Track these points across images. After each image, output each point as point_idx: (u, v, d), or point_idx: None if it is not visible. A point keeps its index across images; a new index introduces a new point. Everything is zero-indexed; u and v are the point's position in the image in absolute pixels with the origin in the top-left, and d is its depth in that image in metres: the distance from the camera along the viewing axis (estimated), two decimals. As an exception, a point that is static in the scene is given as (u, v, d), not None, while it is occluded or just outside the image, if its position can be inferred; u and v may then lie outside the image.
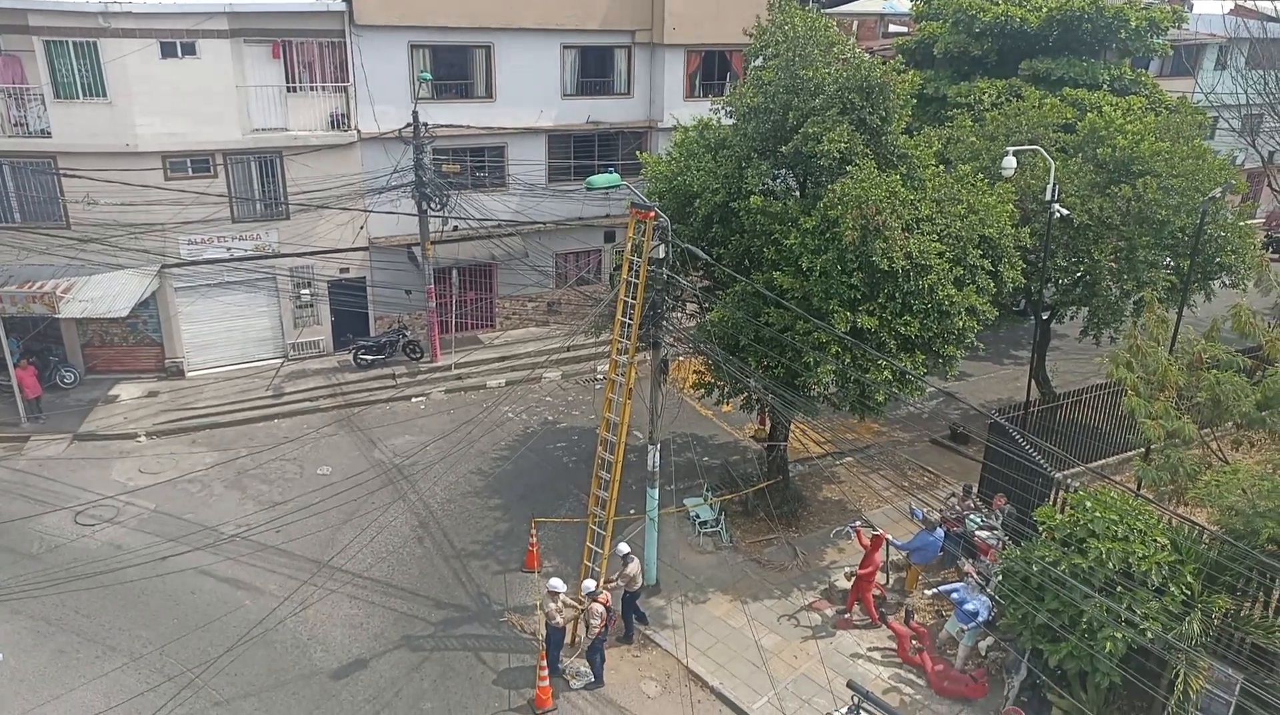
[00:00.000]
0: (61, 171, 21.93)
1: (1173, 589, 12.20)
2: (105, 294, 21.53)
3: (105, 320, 22.77)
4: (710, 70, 28.00)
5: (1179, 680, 11.85)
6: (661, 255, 14.96)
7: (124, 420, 21.95)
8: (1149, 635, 11.92)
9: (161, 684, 13.95)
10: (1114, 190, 19.26)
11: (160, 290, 23.36)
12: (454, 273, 26.13)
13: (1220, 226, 19.77)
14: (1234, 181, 19.34)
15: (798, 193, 17.41)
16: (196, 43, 21.99)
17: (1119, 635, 11.95)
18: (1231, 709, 11.81)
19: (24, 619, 15.23)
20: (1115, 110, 21.74)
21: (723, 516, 18.44)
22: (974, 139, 20.60)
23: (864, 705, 11.94)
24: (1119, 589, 12.30)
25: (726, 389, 17.53)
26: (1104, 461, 19.56)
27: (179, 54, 21.95)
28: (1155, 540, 12.49)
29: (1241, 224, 20.04)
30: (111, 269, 22.40)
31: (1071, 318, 22.44)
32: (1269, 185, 36.21)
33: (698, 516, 18.43)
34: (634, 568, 15.16)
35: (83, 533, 17.74)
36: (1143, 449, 16.05)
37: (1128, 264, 19.51)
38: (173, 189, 22.58)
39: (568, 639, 14.91)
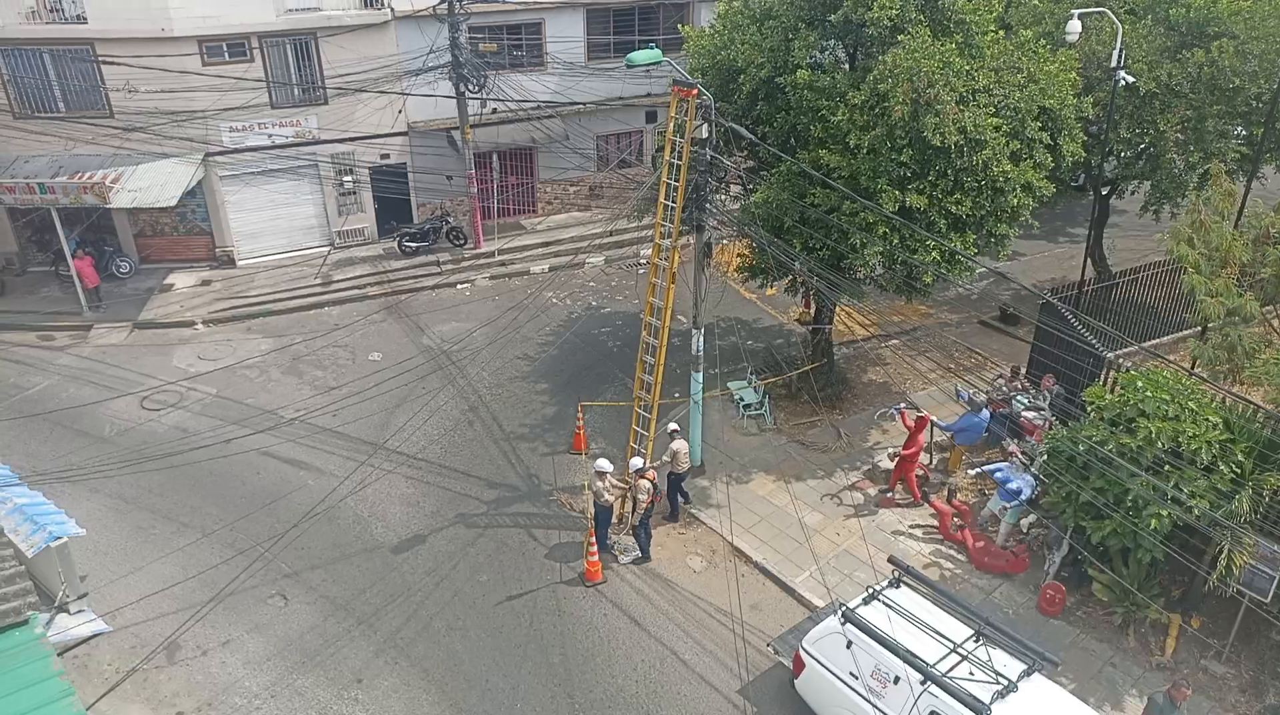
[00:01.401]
0: (100, 59, 21.82)
1: (1223, 467, 12.11)
2: (153, 183, 21.74)
3: (155, 210, 23.06)
4: (756, -67, 26.49)
5: (1223, 556, 11.90)
6: (705, 135, 14.57)
7: (180, 308, 22.54)
8: (1195, 512, 11.92)
9: (233, 557, 14.80)
10: (1185, 55, 18.14)
11: (206, 179, 23.51)
12: (494, 157, 25.82)
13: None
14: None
15: (847, 65, 16.68)
16: (225, -81, 21.36)
17: (1164, 513, 11.97)
18: (1275, 583, 11.88)
19: (102, 497, 16.13)
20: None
21: (767, 399, 18.57)
22: (1037, 1, 19.38)
23: (904, 579, 12.29)
24: (1167, 468, 12.25)
25: (771, 272, 17.34)
26: (1159, 341, 19.17)
27: (209, -69, 21.37)
28: (1207, 419, 12.33)
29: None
30: (157, 158, 22.53)
31: (1132, 193, 21.57)
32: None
33: (742, 399, 18.59)
34: (680, 445, 15.44)
35: (150, 417, 18.52)
36: (1199, 328, 15.67)
37: (1195, 134, 18.56)
38: (210, 75, 22.38)
39: (615, 516, 15.39)
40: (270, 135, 23.68)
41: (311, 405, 18.73)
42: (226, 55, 22.67)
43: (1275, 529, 12.11)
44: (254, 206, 24.34)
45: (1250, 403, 13.16)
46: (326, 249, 25.30)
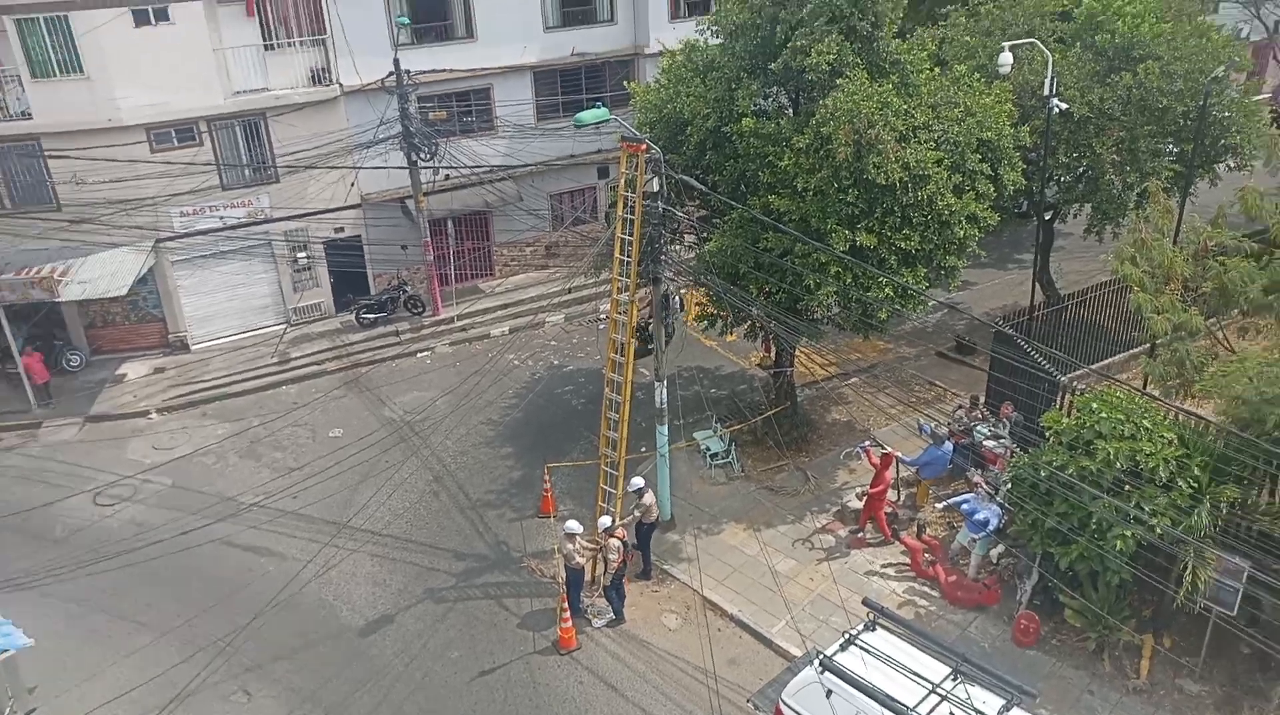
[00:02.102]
0: (47, 153, 21.72)
1: (1180, 483, 12.16)
2: (103, 273, 21.51)
3: (106, 300, 22.76)
4: (695, -13, 27.14)
5: (1187, 572, 11.87)
6: (655, 188, 14.68)
7: (134, 398, 22.16)
8: (1158, 530, 11.90)
9: (193, 654, 14.30)
10: (1114, 79, 18.65)
11: (157, 265, 23.32)
12: (449, 223, 25.87)
13: (1226, 106, 19.12)
14: (1237, 59, 18.62)
15: (791, 111, 16.97)
16: (169, 8, 21.47)
17: (1128, 533, 11.96)
18: (1239, 596, 11.86)
19: (54, 602, 15.59)
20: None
21: (733, 447, 18.48)
22: (968, 37, 19.91)
23: (880, 621, 12.12)
24: (1127, 488, 12.26)
25: (729, 319, 17.41)
26: (1111, 360, 19.40)
27: (152, 21, 21.44)
28: (1162, 436, 12.40)
29: (1247, 101, 19.36)
30: (106, 248, 22.29)
31: (1075, 216, 21.99)
32: (1275, 58, 34.99)
33: (708, 449, 18.48)
34: (650, 498, 15.28)
35: (103, 514, 18.05)
36: (1149, 345, 15.85)
37: (1130, 155, 19.02)
38: (159, 161, 22.33)
39: (587, 578, 15.12)
40: (221, 217, 23.58)
41: (271, 489, 18.36)
42: (175, 141, 22.65)
43: (1235, 542, 12.13)
44: (207, 289, 24.13)
45: (1199, 417, 13.27)
46: (283, 327, 25.09)
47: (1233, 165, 20.08)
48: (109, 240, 22.38)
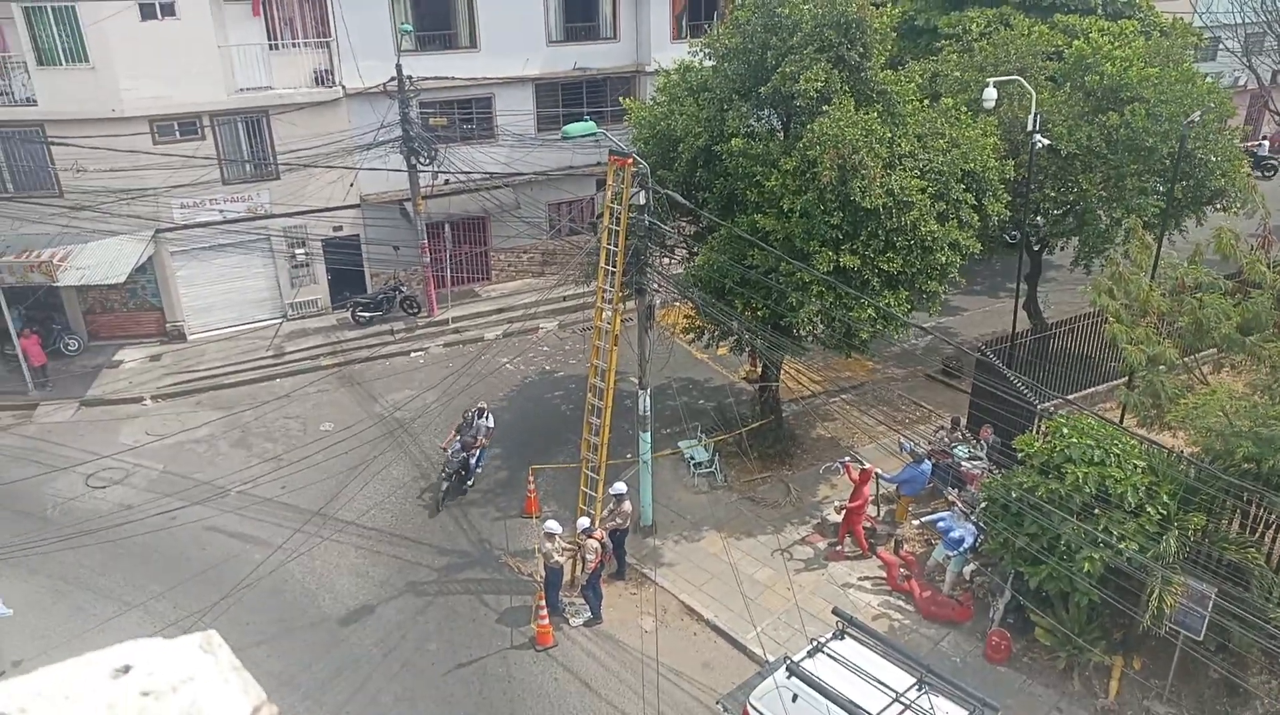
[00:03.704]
0: (50, 140, 22.03)
1: (1149, 509, 12.51)
2: (102, 260, 21.78)
3: (105, 287, 23.05)
4: (696, 10, 27.69)
5: (1154, 597, 12.21)
6: (642, 202, 15.06)
7: (129, 384, 22.39)
8: (1125, 555, 12.25)
9: (177, 635, 14.39)
10: (1101, 119, 19.15)
11: (156, 255, 23.59)
12: (447, 227, 26.20)
13: (1210, 150, 19.64)
14: (1214, 104, 19.15)
15: (782, 134, 17.41)
16: (175, 2, 21.86)
17: (1096, 556, 12.30)
18: (1205, 622, 12.19)
19: (41, 578, 15.80)
20: (1104, 36, 21.46)
21: (716, 457, 18.80)
22: (958, 72, 20.42)
23: (849, 630, 12.42)
24: (1096, 512, 12.62)
25: (715, 333, 17.78)
26: (1094, 389, 19.81)
27: (159, 15, 21.83)
28: (1133, 463, 12.77)
29: (1229, 146, 19.88)
30: (106, 235, 22.60)
31: (1062, 248, 22.47)
32: (1267, 107, 35.70)
33: (692, 458, 18.80)
34: (628, 506, 15.58)
35: (94, 494, 18.27)
36: (1127, 376, 16.27)
37: (1116, 192, 19.50)
38: (161, 153, 22.64)
39: (566, 578, 15.39)
40: (221, 211, 23.90)
41: (260, 477, 18.60)
42: (178, 133, 22.99)
43: (1202, 569, 12.48)
44: (205, 281, 24.41)
45: (1165, 448, 13.65)
46: (279, 321, 25.36)
47: (1219, 207, 20.60)
48: (109, 228, 22.67)
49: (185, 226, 23.70)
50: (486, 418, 18.74)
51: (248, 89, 23.26)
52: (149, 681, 0.96)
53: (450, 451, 17.82)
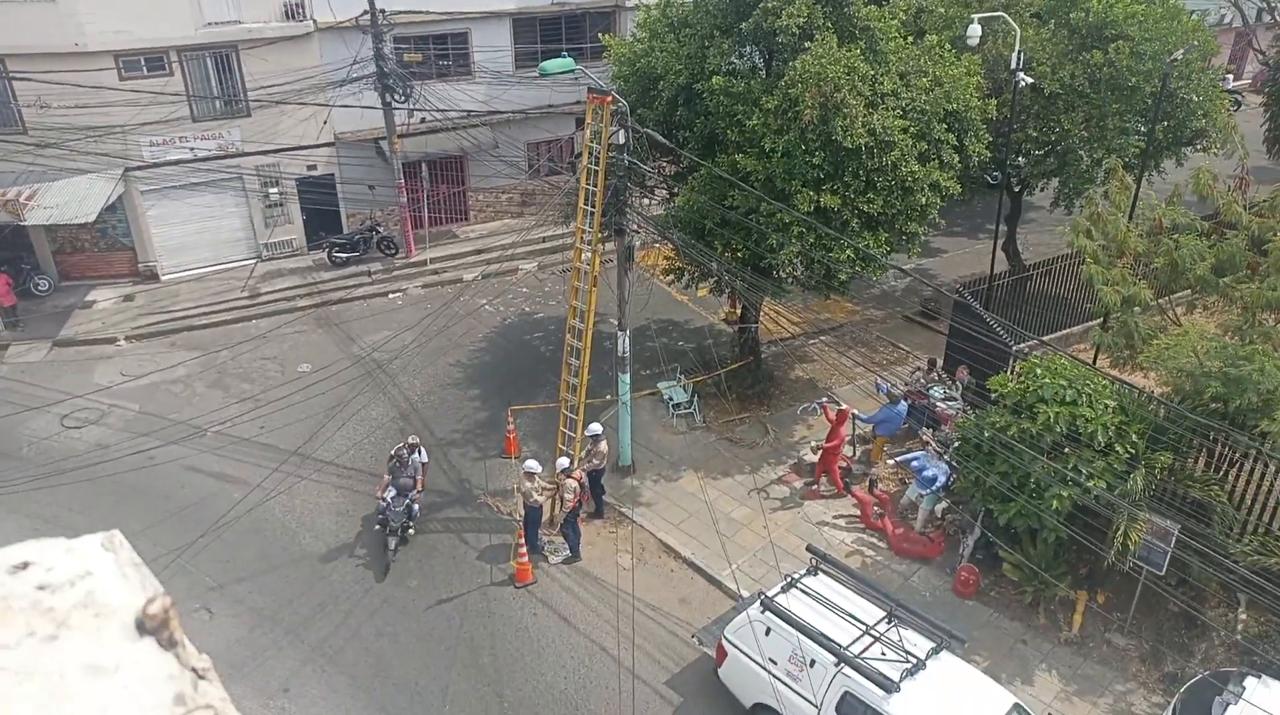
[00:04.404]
0: (10, 74, 21.37)
1: (1118, 448, 12.74)
2: (70, 199, 21.34)
3: (74, 226, 22.61)
4: (678, -58, 26.94)
5: (1119, 532, 12.51)
6: (621, 141, 14.86)
7: (102, 325, 22.14)
8: (1093, 492, 12.50)
9: (157, 572, 14.50)
10: (1086, 56, 18.96)
11: (126, 194, 23.13)
12: (424, 166, 25.83)
13: (1192, 89, 19.54)
14: (1198, 42, 19.01)
15: (764, 72, 17.14)
16: (136, -68, 21.10)
17: (1064, 493, 12.55)
18: (1168, 558, 12.52)
19: (19, 517, 15.80)
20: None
21: (695, 398, 18.90)
22: (942, 8, 20.08)
23: (822, 566, 12.69)
24: (1066, 451, 12.83)
25: (695, 274, 17.72)
26: (1069, 330, 19.98)
27: (121, -55, 21.08)
28: (1104, 403, 12.96)
29: (1212, 85, 19.79)
30: (74, 174, 22.09)
31: (1042, 189, 22.43)
32: (1252, 46, 35.49)
33: (671, 399, 18.90)
34: (604, 446, 15.70)
35: (70, 434, 18.20)
36: (1102, 317, 16.40)
37: (1098, 132, 19.41)
38: (128, 89, 22.04)
39: (545, 516, 15.56)
40: (192, 149, 23.38)
41: (238, 418, 18.55)
42: (144, 69, 22.35)
43: (1166, 506, 12.78)
44: (177, 220, 23.98)
45: (1135, 388, 13.84)
46: (254, 262, 25.03)
47: (1200, 148, 20.57)
48: (76, 167, 22.14)
49: (155, 164, 23.19)
50: (420, 453, 16.06)
51: (216, 23, 22.57)
52: (46, 576, 0.96)
53: (388, 500, 15.02)
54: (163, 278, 24.14)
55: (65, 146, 21.84)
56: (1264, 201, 15.45)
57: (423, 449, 16.27)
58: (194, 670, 0.98)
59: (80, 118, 21.75)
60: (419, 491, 15.63)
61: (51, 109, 21.54)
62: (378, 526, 15.34)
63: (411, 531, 15.54)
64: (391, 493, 15.08)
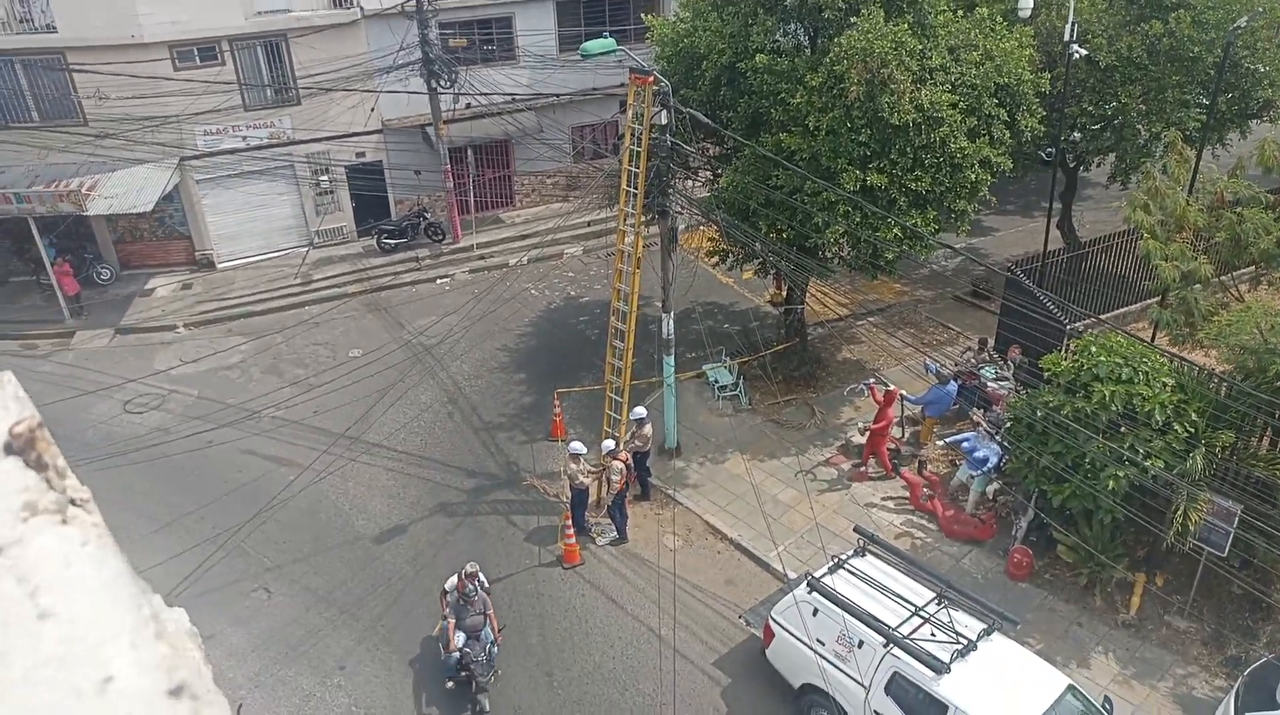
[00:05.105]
0: (71, 67, 21.96)
1: (1177, 427, 12.40)
2: (129, 189, 21.90)
3: (133, 215, 23.21)
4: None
5: (1178, 513, 12.20)
6: (664, 122, 14.78)
7: (162, 312, 22.74)
8: (1150, 472, 12.20)
9: (215, 553, 14.98)
10: (1144, 27, 18.36)
11: (182, 183, 23.67)
12: (469, 152, 25.96)
13: (1258, 59, 18.81)
14: (1265, 8, 18.26)
15: (809, 49, 16.90)
16: (189, -75, 21.49)
17: (1120, 473, 12.26)
18: (1230, 538, 12.18)
19: (86, 499, 16.30)
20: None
21: (741, 380, 18.83)
22: (995, -22, 19.55)
23: (869, 547, 12.59)
24: (1123, 430, 12.53)
25: (740, 255, 17.61)
26: (1126, 309, 19.47)
27: (175, -62, 21.49)
28: (1161, 381, 12.62)
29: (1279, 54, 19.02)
30: (132, 164, 22.66)
31: (1098, 165, 21.83)
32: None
33: (717, 381, 18.85)
34: (648, 429, 15.73)
35: (131, 418, 18.76)
36: (1160, 294, 15.95)
37: (1156, 105, 18.81)
38: (182, 79, 22.52)
39: (592, 498, 15.65)
40: (244, 137, 23.83)
41: (293, 402, 18.96)
42: (198, 59, 22.82)
43: (1229, 486, 12.42)
44: (231, 209, 24.52)
45: (1193, 364, 13.46)
46: (305, 249, 25.49)
47: (1267, 119, 19.82)
48: (134, 157, 22.70)
49: (209, 154, 23.70)
50: (480, 580, 12.92)
51: (265, 12, 22.95)
52: None
53: (461, 648, 12.32)
54: (219, 266, 24.70)
55: (123, 137, 22.42)
56: (1334, 172, 14.87)
57: (482, 575, 13.05)
58: (71, 499, 1.04)
59: (137, 108, 22.30)
60: (498, 631, 12.73)
61: (110, 100, 22.11)
62: (451, 684, 12.42)
63: (496, 675, 12.59)
64: (462, 639, 12.38)
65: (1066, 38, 16.94)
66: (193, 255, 24.79)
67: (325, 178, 25.10)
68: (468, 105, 24.94)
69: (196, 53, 22.70)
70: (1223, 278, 15.34)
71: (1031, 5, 17.35)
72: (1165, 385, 12.58)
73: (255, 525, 15.56)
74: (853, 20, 14.89)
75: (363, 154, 25.29)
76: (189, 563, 14.82)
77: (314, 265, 24.77)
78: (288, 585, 14.58)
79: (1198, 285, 14.50)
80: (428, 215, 25.96)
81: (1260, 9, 18.10)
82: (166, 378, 20.22)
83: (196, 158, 23.59)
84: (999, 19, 16.54)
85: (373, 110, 24.67)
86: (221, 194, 24.27)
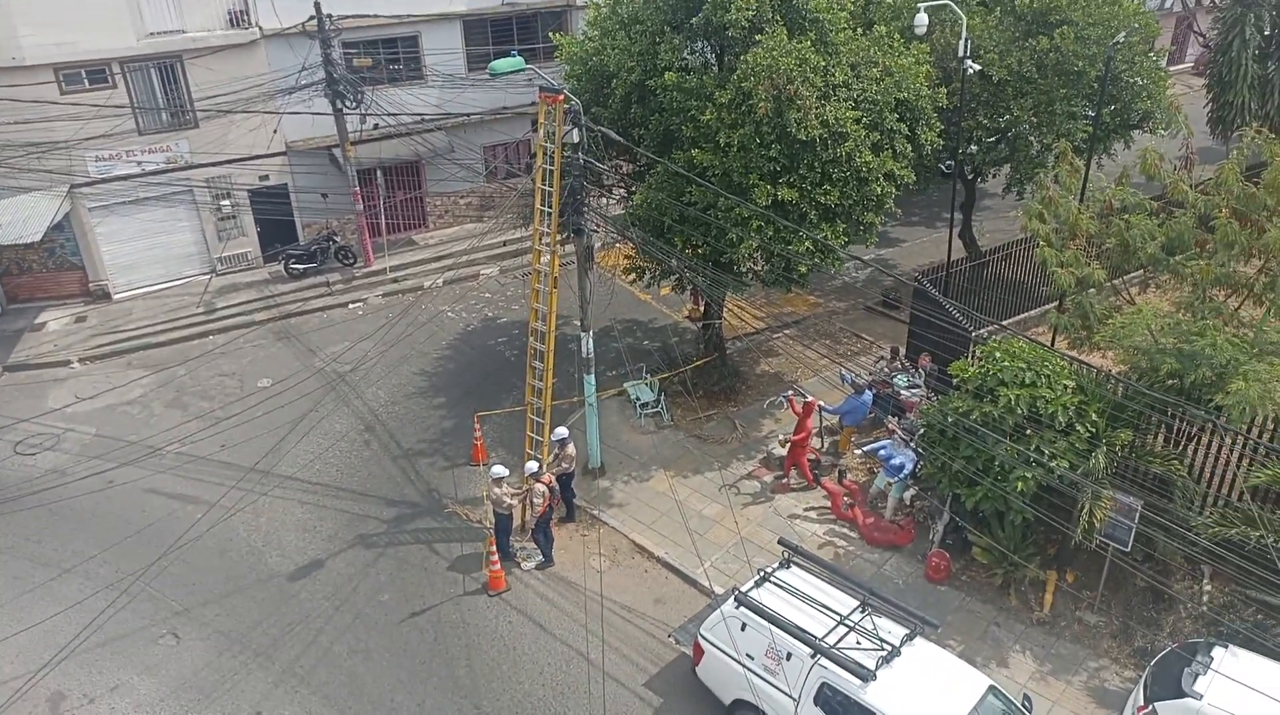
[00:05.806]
0: (-54, 92, 20.77)
1: (1079, 428, 12.90)
2: (14, 219, 20.80)
3: (20, 246, 22.02)
4: (626, -60, 26.86)
5: (1084, 511, 12.67)
6: (576, 140, 14.77)
7: (54, 347, 21.60)
8: (1056, 472, 12.66)
9: (119, 599, 14.28)
10: (1031, 43, 19.21)
11: (73, 211, 22.60)
12: (379, 173, 25.47)
13: (1136, 72, 19.86)
14: (1140, 25, 19.32)
15: (716, 67, 17.13)
16: (71, -58, 20.59)
17: (1028, 475, 12.69)
18: (1132, 533, 12.71)
19: (-26, 550, 15.37)
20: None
21: (662, 397, 18.87)
22: (889, -1, 20.21)
23: (794, 559, 12.72)
24: (1028, 432, 12.98)
25: (656, 272, 17.68)
26: (1026, 314, 20.25)
27: (56, -44, 20.55)
28: (1063, 384, 13.12)
29: (1155, 68, 20.13)
30: (18, 192, 21.54)
31: (994, 176, 22.70)
32: (1192, 29, 36.22)
33: (638, 398, 18.85)
34: (571, 449, 15.62)
35: (23, 460, 17.72)
36: (1058, 299, 16.61)
37: (1047, 117, 19.67)
38: (70, 103, 21.52)
39: (516, 522, 15.43)
40: (139, 163, 22.90)
41: (198, 437, 18.20)
42: (86, 82, 21.84)
43: (1129, 482, 12.97)
44: (127, 237, 23.48)
45: (1092, 367, 14.04)
46: (208, 276, 24.58)
47: (1147, 129, 20.91)
48: (19, 185, 21.60)
49: (102, 180, 22.68)
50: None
51: (159, 33, 22.12)
52: None
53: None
54: (115, 296, 23.62)
55: (6, 164, 21.30)
56: (1209, 180, 15.72)
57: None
58: None
59: (21, 134, 21.22)
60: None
61: (-11, 126, 20.98)
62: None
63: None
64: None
65: (960, 54, 17.57)
66: (87, 286, 23.65)
67: (227, 202, 24.29)
68: (375, 126, 24.51)
69: (85, 75, 21.73)
70: (1115, 282, 16.05)
71: (927, 23, 17.94)
72: (1066, 387, 13.09)
73: (161, 567, 14.86)
74: (757, 39, 15.16)
75: (266, 177, 24.56)
76: (91, 610, 14.10)
77: (218, 293, 23.91)
78: (198, 629, 13.92)
79: (1092, 290, 15.15)
80: (337, 239, 25.37)
81: (1136, 25, 19.12)
82: (61, 416, 19.18)
83: (88, 184, 22.55)
84: (896, 36, 17.09)
85: (275, 132, 24.01)
86: (116, 222, 23.24)
